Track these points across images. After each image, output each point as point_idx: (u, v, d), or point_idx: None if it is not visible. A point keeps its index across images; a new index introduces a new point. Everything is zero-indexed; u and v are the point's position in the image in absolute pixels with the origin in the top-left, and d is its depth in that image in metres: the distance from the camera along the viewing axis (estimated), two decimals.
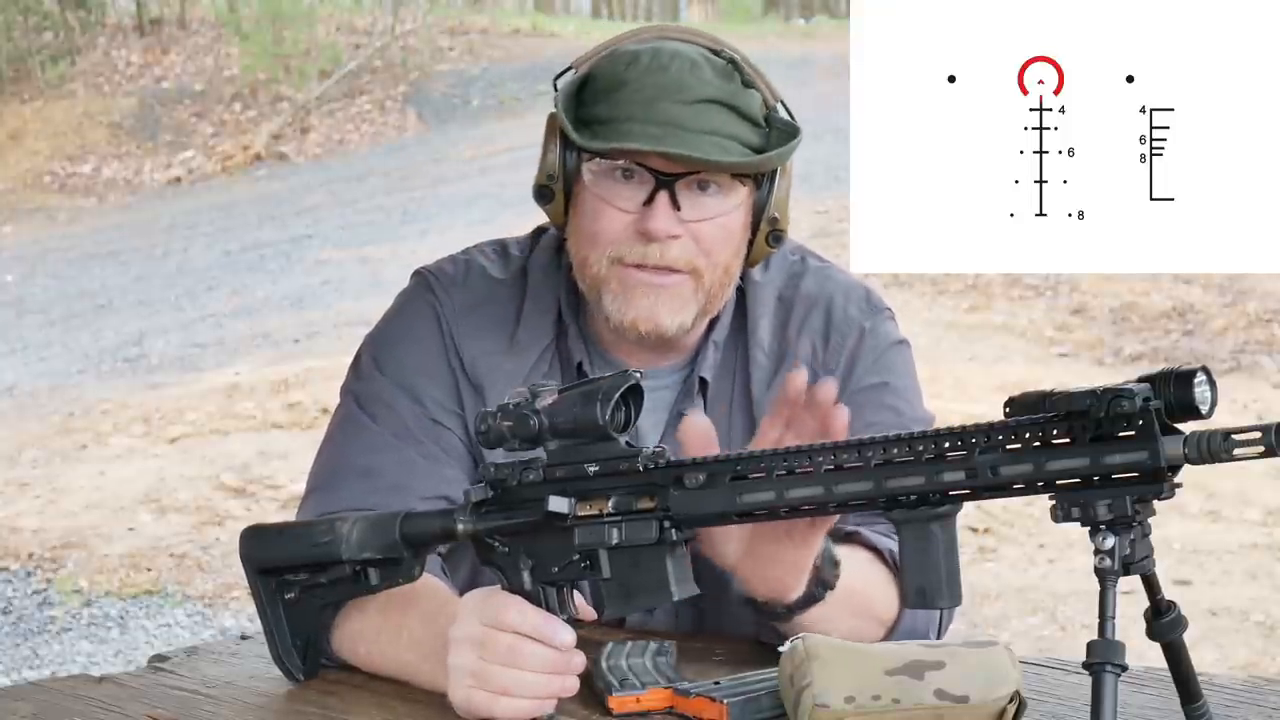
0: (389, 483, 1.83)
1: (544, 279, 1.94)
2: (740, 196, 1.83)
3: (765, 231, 1.86)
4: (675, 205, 1.79)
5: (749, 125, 1.81)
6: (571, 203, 1.86)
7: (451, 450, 1.88)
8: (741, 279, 1.91)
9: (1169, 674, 1.42)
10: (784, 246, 2.00)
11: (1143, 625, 1.39)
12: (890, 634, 1.76)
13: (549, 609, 1.55)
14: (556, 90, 1.86)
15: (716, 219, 1.82)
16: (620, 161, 1.80)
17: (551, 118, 1.85)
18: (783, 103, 1.87)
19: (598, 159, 1.81)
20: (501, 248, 2.00)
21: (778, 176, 1.85)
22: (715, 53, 1.84)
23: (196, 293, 11.05)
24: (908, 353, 1.98)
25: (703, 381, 1.91)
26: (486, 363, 1.90)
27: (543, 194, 1.87)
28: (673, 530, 1.49)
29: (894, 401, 1.91)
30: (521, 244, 1.99)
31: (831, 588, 1.64)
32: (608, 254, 1.82)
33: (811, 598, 1.64)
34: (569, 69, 1.88)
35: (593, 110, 1.81)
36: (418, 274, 1.99)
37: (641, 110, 1.78)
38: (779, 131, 1.83)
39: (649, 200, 1.79)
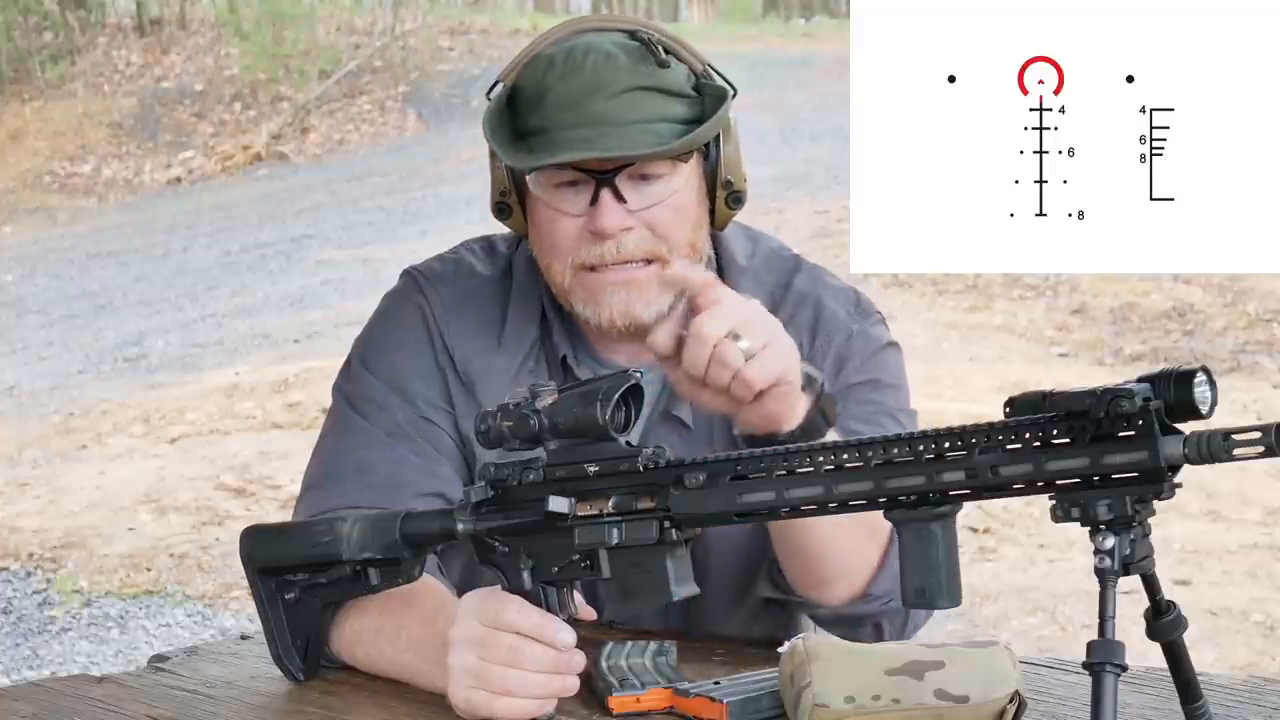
0: (383, 480, 1.83)
1: (527, 276, 1.94)
2: (685, 173, 1.83)
3: (723, 196, 1.87)
4: (620, 199, 1.79)
5: (680, 100, 1.80)
6: (528, 214, 1.87)
7: (443, 448, 1.88)
8: (727, 276, 1.91)
9: (1169, 674, 1.42)
10: (775, 245, 1.99)
11: (1143, 625, 1.39)
12: (885, 555, 1.75)
13: (549, 609, 1.55)
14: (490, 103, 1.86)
15: (665, 202, 1.81)
16: (562, 170, 1.79)
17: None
18: (711, 66, 1.86)
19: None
20: (489, 245, 2.00)
21: (723, 140, 1.85)
22: (632, 34, 1.83)
23: (196, 293, 11.05)
24: (898, 355, 1.98)
25: None
26: (478, 360, 1.90)
27: (501, 210, 1.89)
28: (673, 530, 1.49)
29: (882, 398, 1.91)
30: (509, 240, 1.99)
31: (831, 423, 1.63)
32: (570, 261, 1.82)
33: (814, 427, 1.62)
34: (498, 83, 1.87)
35: (526, 122, 1.81)
36: (406, 273, 1.99)
37: (570, 115, 1.77)
38: (711, 98, 1.82)
39: (594, 200, 1.79)
